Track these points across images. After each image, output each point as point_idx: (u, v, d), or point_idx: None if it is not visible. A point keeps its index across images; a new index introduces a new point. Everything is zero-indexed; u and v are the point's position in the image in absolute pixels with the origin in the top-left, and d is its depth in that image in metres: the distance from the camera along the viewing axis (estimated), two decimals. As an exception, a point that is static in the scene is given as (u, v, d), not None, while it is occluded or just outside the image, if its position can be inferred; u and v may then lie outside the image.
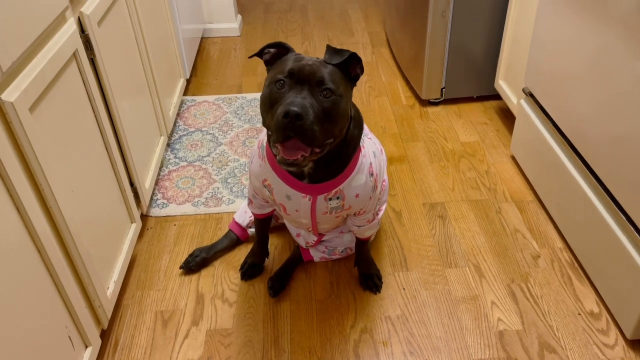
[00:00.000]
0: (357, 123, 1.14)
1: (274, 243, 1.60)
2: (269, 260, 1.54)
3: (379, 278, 1.45)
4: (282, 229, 1.63)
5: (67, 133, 1.11)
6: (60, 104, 1.09)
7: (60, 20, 1.12)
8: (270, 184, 1.18)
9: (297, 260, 1.50)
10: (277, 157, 0.99)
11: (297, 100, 0.95)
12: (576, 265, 1.50)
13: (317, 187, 1.14)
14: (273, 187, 1.18)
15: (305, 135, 0.95)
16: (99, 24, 1.30)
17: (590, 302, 1.39)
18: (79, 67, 1.18)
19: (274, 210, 1.38)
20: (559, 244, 1.57)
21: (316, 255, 1.50)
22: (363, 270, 1.45)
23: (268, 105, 1.01)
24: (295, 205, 1.19)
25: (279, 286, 1.43)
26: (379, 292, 1.43)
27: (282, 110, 0.94)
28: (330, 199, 1.16)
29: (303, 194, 1.16)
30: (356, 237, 1.38)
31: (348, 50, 1.03)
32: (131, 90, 1.54)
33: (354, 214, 1.25)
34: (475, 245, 1.58)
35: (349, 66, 1.06)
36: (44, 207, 1.01)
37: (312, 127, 0.95)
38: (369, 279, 1.44)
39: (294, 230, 1.50)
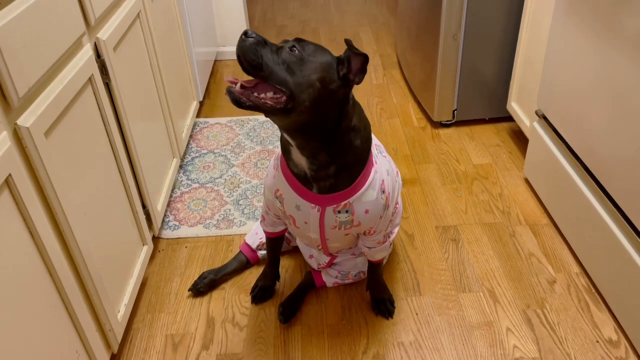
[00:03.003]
0: (360, 134, 1.10)
1: (285, 266, 1.59)
2: (280, 284, 1.53)
3: (392, 303, 1.43)
4: (293, 251, 1.62)
5: (81, 156, 1.12)
6: (75, 128, 1.10)
7: (77, 46, 1.14)
8: (282, 194, 1.18)
9: (309, 285, 1.49)
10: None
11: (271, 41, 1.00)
12: (593, 290, 1.47)
13: (326, 198, 1.13)
14: (284, 197, 1.18)
15: (245, 53, 0.96)
16: (115, 49, 1.32)
17: (609, 329, 1.36)
18: (94, 92, 1.19)
19: (286, 229, 1.38)
20: (575, 268, 1.54)
21: (329, 280, 1.48)
22: (375, 295, 1.43)
23: None
24: (304, 216, 1.18)
25: (289, 312, 1.41)
26: (392, 317, 1.41)
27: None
28: (339, 212, 1.15)
29: (312, 205, 1.15)
30: (368, 260, 1.37)
31: (363, 53, 1.01)
32: (145, 113, 1.56)
33: (364, 233, 1.24)
34: (489, 269, 1.55)
35: (350, 68, 1.02)
36: (56, 230, 1.01)
37: (255, 49, 0.96)
38: (382, 304, 1.42)
39: (307, 251, 1.49)
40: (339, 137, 1.06)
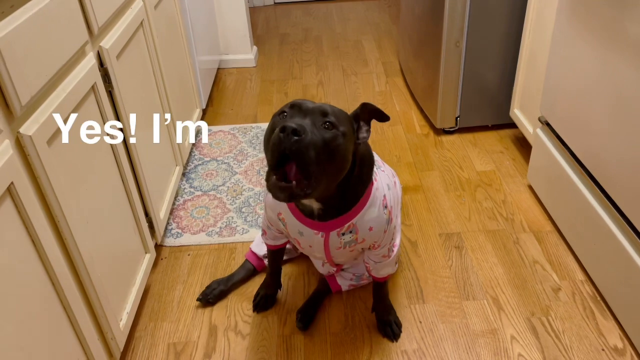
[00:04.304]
0: (366, 164, 1.12)
1: (287, 273, 1.58)
2: (282, 292, 1.52)
3: (398, 325, 1.39)
4: (296, 259, 1.62)
5: (84, 164, 1.12)
6: (78, 137, 1.10)
7: (80, 54, 1.15)
8: (285, 218, 1.18)
9: (325, 292, 1.48)
10: (269, 183, 0.94)
11: (297, 120, 0.93)
12: (598, 298, 1.45)
13: (329, 224, 1.13)
14: (287, 221, 1.18)
15: (301, 155, 0.90)
16: (118, 58, 1.33)
17: (614, 337, 1.34)
18: (97, 100, 1.20)
19: (287, 241, 1.37)
20: (580, 276, 1.53)
21: (344, 284, 1.47)
22: (381, 317, 1.39)
23: (269, 135, 0.98)
24: (308, 241, 1.18)
25: (308, 319, 1.41)
26: (397, 340, 1.37)
27: (280, 127, 0.90)
28: (343, 234, 1.15)
29: (315, 231, 1.15)
30: (373, 280, 1.35)
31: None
32: (148, 121, 1.56)
33: (369, 248, 1.23)
34: (493, 276, 1.54)
35: (358, 126, 1.07)
36: (59, 238, 1.01)
37: (309, 147, 0.90)
38: (387, 326, 1.38)
39: (318, 261, 1.48)
40: (351, 179, 1.08)
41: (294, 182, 0.92)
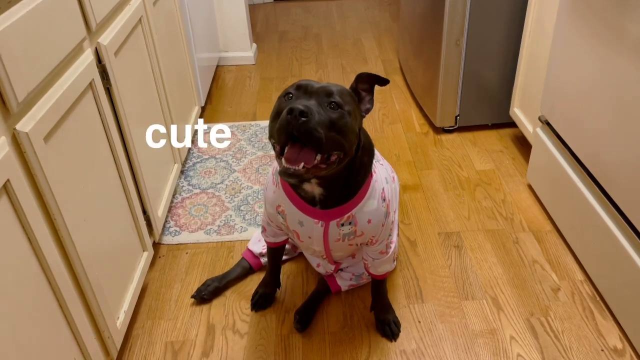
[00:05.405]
0: (367, 151, 1.12)
1: (286, 272, 1.57)
2: (280, 291, 1.51)
3: (397, 324, 1.39)
4: (295, 258, 1.61)
5: (81, 162, 1.11)
6: (75, 133, 1.09)
7: (77, 51, 1.14)
8: (284, 210, 1.17)
9: (324, 292, 1.47)
10: (279, 168, 0.96)
11: (303, 102, 0.96)
12: (598, 298, 1.45)
13: (329, 213, 1.13)
14: (286, 213, 1.17)
15: (309, 136, 0.92)
16: (116, 54, 1.32)
17: (614, 338, 1.34)
18: (94, 97, 1.19)
19: (287, 239, 1.37)
20: (579, 276, 1.52)
21: (344, 284, 1.47)
22: (380, 316, 1.39)
23: (274, 115, 1.01)
24: (307, 231, 1.18)
25: (306, 319, 1.40)
26: (395, 340, 1.36)
27: (287, 109, 0.92)
28: (342, 225, 1.15)
29: (315, 220, 1.14)
30: (372, 278, 1.34)
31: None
32: (146, 119, 1.55)
33: (367, 243, 1.23)
34: (492, 276, 1.54)
35: (359, 98, 1.09)
36: (55, 236, 1.00)
37: (317, 128, 0.92)
38: (386, 325, 1.38)
39: (314, 260, 1.47)
40: (355, 162, 1.09)
41: (301, 167, 0.94)
